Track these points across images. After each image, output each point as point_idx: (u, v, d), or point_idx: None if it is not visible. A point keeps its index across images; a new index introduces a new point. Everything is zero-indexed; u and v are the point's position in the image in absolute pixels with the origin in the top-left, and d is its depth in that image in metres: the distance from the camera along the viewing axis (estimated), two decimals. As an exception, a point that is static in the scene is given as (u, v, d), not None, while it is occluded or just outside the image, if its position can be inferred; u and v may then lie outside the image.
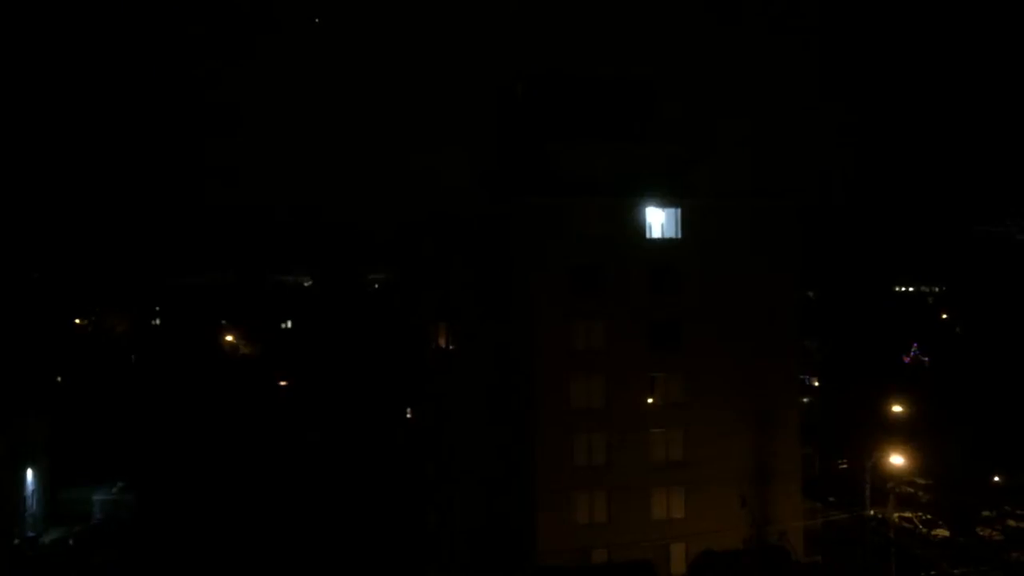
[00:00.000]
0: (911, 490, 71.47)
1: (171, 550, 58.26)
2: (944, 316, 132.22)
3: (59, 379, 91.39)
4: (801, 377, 67.07)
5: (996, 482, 71.74)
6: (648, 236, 49.52)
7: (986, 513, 65.66)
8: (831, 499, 65.65)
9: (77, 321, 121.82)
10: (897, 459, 58.23)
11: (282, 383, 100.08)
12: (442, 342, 56.62)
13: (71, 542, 62.40)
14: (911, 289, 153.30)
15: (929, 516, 65.75)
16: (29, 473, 65.04)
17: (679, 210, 49.64)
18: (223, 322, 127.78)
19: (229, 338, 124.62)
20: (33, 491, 65.61)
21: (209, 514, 63.14)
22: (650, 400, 49.16)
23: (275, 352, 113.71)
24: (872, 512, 57.25)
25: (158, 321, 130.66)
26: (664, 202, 49.50)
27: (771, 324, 50.56)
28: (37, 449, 66.52)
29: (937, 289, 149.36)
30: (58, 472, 69.53)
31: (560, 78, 54.73)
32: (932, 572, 55.99)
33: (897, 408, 78.44)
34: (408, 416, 68.80)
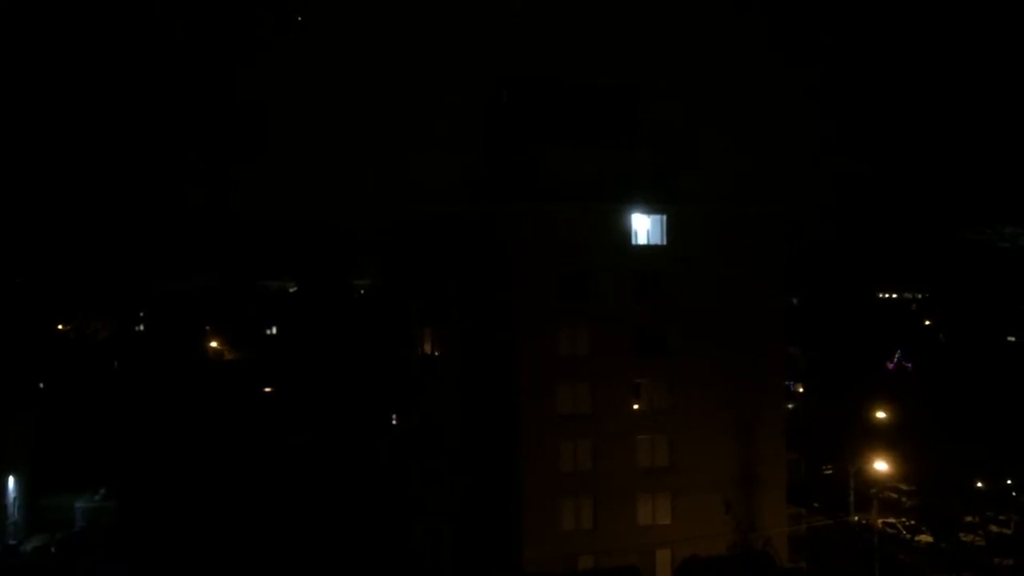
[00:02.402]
0: (895, 496, 71.82)
1: (154, 557, 57.82)
2: (927, 322, 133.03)
3: (41, 385, 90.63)
4: (785, 383, 67.35)
5: (979, 488, 72.14)
6: (633, 242, 49.66)
7: (969, 519, 66.02)
8: (816, 505, 65.90)
9: (60, 326, 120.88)
10: (881, 465, 58.56)
11: (267, 389, 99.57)
12: (428, 348, 56.53)
13: (53, 550, 61.82)
14: (894, 295, 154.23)
15: (913, 522, 66.05)
16: (11, 480, 64.43)
17: (664, 216, 49.84)
18: (207, 328, 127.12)
19: (214, 344, 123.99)
20: (14, 498, 64.98)
21: (193, 522, 62.71)
22: (636, 406, 49.25)
23: (260, 358, 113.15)
24: (856, 518, 57.52)
25: (142, 327, 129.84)
26: (649, 208, 49.68)
27: (756, 330, 50.80)
28: (19, 456, 65.88)
29: (920, 295, 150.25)
30: (40, 479, 68.90)
31: (545, 84, 54.91)
32: (915, 577, 56.27)
33: (881, 414, 78.81)
34: (394, 422, 68.61)
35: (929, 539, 63.30)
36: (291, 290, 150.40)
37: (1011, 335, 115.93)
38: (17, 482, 65.29)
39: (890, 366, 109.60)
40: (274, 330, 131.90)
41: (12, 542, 62.19)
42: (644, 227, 49.92)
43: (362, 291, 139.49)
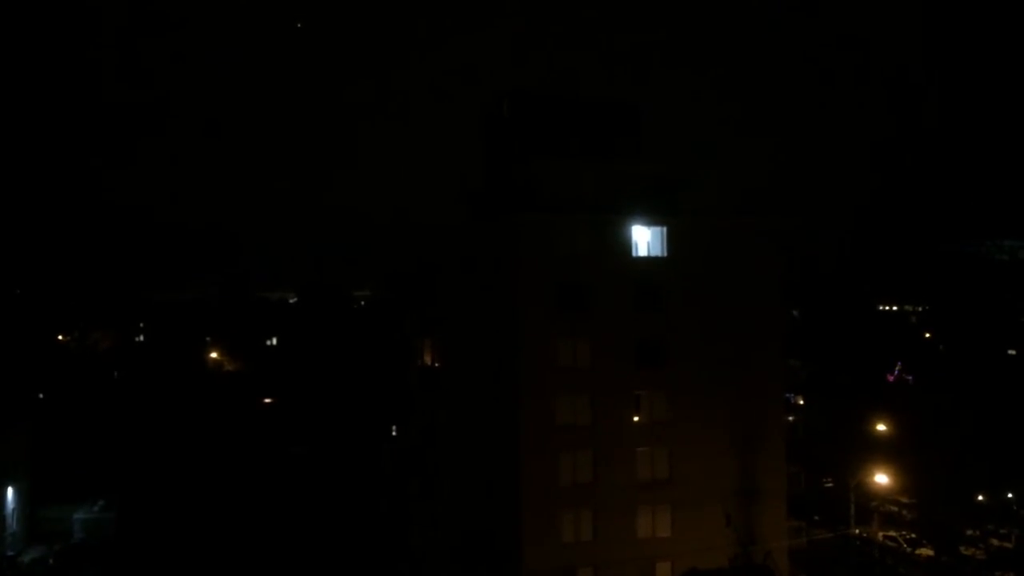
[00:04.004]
0: (895, 509, 71.72)
1: (153, 569, 57.67)
2: (927, 335, 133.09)
3: (41, 396, 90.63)
4: (786, 395, 67.33)
5: (979, 501, 72.05)
6: (634, 254, 49.68)
7: (969, 532, 65.91)
8: (816, 518, 65.79)
9: (60, 337, 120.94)
10: (881, 478, 58.51)
11: (267, 400, 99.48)
12: (428, 359, 56.53)
13: (51, 561, 61.69)
14: (894, 308, 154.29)
15: (913, 535, 65.93)
16: (9, 491, 64.34)
17: (665, 229, 49.86)
18: (208, 339, 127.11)
19: (214, 355, 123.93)
20: (13, 509, 64.90)
21: (192, 532, 62.58)
22: (636, 418, 49.16)
23: (260, 369, 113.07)
24: (857, 531, 57.43)
25: (142, 337, 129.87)
26: (650, 220, 49.70)
27: (756, 342, 50.73)
28: (18, 467, 65.85)
29: (920, 308, 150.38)
30: (39, 490, 68.78)
31: (546, 97, 55.01)
32: (916, 591, 56.13)
33: (881, 427, 78.76)
34: (393, 434, 68.56)
35: (930, 553, 63.15)
36: (291, 301, 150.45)
37: (1011, 348, 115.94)
38: (16, 493, 65.20)
39: (890, 379, 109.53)
40: (274, 341, 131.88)
41: (10, 553, 62.05)
42: (644, 239, 49.95)
43: (362, 302, 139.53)
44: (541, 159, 50.98)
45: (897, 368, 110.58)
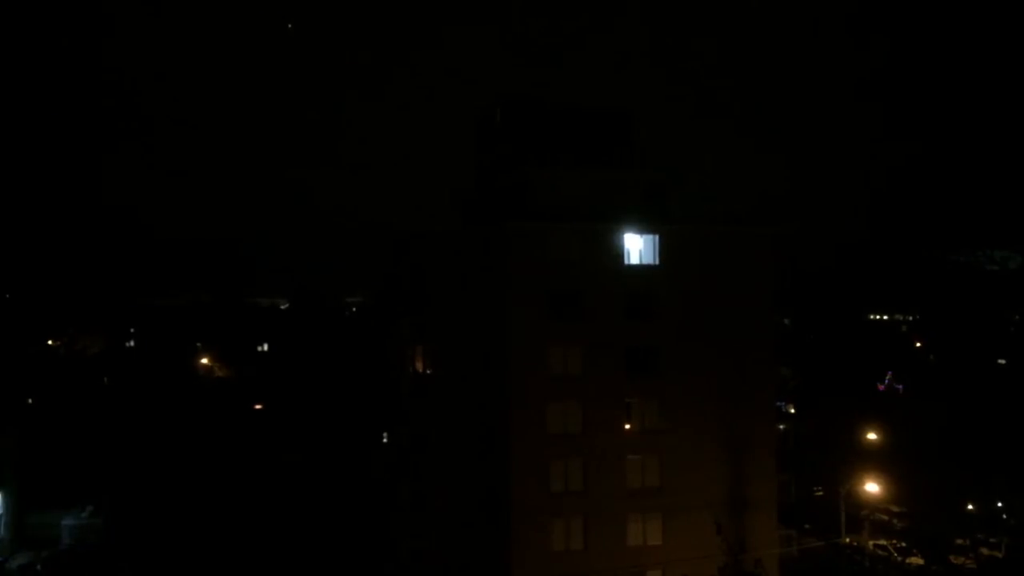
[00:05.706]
0: (885, 518, 71.76)
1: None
2: (918, 344, 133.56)
3: (30, 400, 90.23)
4: (777, 404, 67.36)
5: (969, 510, 72.15)
6: (626, 262, 49.72)
7: (960, 541, 65.97)
8: (807, 526, 65.81)
9: (50, 342, 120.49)
10: (872, 487, 58.57)
11: (257, 407, 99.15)
12: (419, 366, 56.46)
13: (39, 567, 61.31)
14: (885, 317, 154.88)
15: (903, 544, 65.99)
16: (-3, 496, 64.01)
17: (657, 237, 49.90)
18: (198, 344, 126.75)
19: (204, 361, 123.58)
20: (1, 515, 64.51)
21: (181, 539, 62.28)
22: (627, 426, 49.15)
23: (251, 375, 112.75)
24: (847, 539, 57.48)
25: (132, 343, 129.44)
26: (642, 229, 49.74)
27: (747, 351, 50.78)
28: (5, 472, 65.48)
29: (911, 318, 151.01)
30: (27, 496, 68.39)
31: (539, 104, 55.14)
32: (906, 600, 56.15)
33: (871, 436, 78.88)
34: (384, 440, 68.36)
35: (920, 561, 63.21)
36: (282, 307, 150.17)
37: (1001, 357, 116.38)
38: (4, 498, 64.83)
39: (881, 387, 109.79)
40: (265, 347, 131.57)
41: (-2, 559, 61.72)
42: (636, 247, 49.99)
43: (353, 309, 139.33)
44: (533, 166, 51.06)
45: (887, 377, 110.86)
